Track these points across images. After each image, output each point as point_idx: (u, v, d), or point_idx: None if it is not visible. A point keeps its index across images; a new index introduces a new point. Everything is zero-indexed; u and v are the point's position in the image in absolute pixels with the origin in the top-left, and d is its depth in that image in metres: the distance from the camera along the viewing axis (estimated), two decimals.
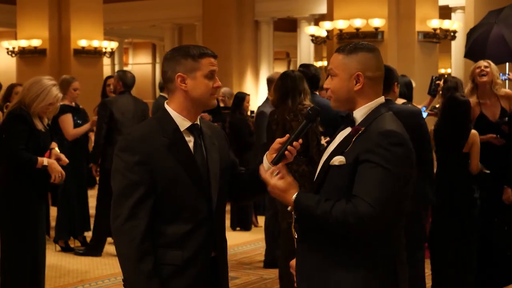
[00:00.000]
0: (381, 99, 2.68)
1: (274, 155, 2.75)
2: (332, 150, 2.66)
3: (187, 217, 2.70)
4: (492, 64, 5.80)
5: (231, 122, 8.83)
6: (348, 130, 2.66)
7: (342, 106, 2.71)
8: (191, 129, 2.77)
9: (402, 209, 2.60)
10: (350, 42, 2.73)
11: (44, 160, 4.92)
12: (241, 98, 8.98)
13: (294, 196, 2.60)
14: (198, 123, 2.82)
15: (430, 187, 4.99)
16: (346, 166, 2.55)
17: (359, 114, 2.65)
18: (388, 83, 4.83)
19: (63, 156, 5.11)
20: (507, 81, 10.07)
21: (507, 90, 5.84)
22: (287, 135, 2.76)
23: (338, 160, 2.57)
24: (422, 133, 4.88)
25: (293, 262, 2.70)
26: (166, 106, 2.80)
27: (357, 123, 2.64)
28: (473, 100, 5.81)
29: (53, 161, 4.98)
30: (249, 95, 9.38)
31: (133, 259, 2.62)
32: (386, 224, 2.52)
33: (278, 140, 2.77)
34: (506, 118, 5.73)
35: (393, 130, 2.56)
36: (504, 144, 5.72)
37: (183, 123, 2.76)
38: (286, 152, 2.73)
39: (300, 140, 2.73)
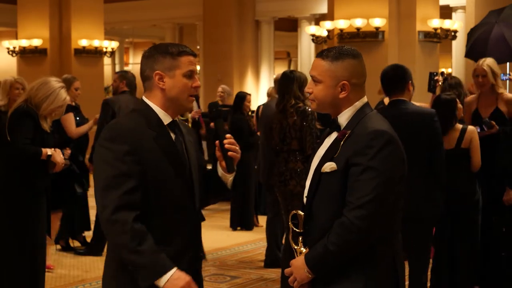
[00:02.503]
0: (364, 99, 2.69)
1: (223, 163, 2.74)
2: (321, 156, 2.66)
3: (173, 212, 2.63)
4: (489, 70, 5.74)
5: (232, 122, 8.83)
6: (334, 134, 2.66)
7: (325, 110, 2.72)
8: (171, 126, 2.71)
9: (398, 206, 2.61)
10: (331, 47, 2.70)
11: (48, 150, 4.98)
12: (242, 98, 8.97)
13: (303, 261, 2.59)
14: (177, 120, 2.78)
15: (440, 192, 4.88)
16: (338, 172, 2.55)
17: (344, 118, 2.65)
18: (401, 83, 4.78)
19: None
20: (508, 81, 10.07)
21: (509, 96, 5.80)
22: (217, 142, 2.73)
23: (329, 166, 2.57)
24: (435, 136, 4.77)
25: (288, 270, 2.68)
26: (146, 100, 2.71)
27: (342, 127, 2.64)
28: (475, 96, 5.93)
29: (55, 149, 5.06)
30: (250, 94, 9.38)
31: (130, 244, 2.49)
32: (383, 221, 2.53)
33: (216, 150, 2.75)
34: (486, 119, 5.73)
35: (380, 129, 2.56)
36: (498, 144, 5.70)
37: (165, 118, 2.69)
38: (229, 153, 2.72)
39: (228, 135, 2.71)
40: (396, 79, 4.80)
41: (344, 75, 2.62)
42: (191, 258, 2.69)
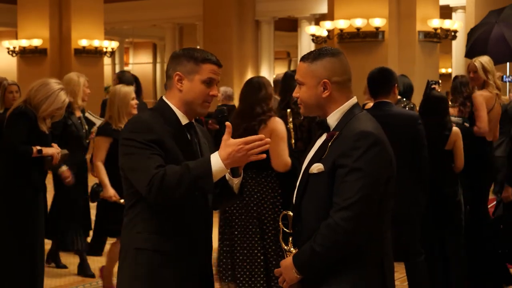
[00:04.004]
0: (353, 100, 2.68)
1: None
2: (310, 158, 2.67)
3: (186, 209, 2.69)
4: (480, 66, 5.73)
5: None
6: (324, 136, 2.66)
7: (313, 112, 2.72)
8: (187, 127, 2.79)
9: (385, 207, 2.61)
10: (312, 50, 2.74)
11: (38, 147, 4.97)
12: None
13: (291, 261, 2.59)
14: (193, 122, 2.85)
15: (423, 194, 4.95)
16: (325, 173, 2.55)
17: (333, 119, 2.65)
18: (388, 85, 4.84)
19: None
20: (507, 83, 10.08)
21: (484, 94, 5.79)
22: None
23: (317, 168, 2.58)
24: (418, 139, 4.83)
25: (278, 271, 2.69)
26: (165, 99, 2.80)
27: (332, 128, 2.64)
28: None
29: (52, 144, 5.08)
30: None
31: (177, 184, 2.54)
32: (370, 222, 2.54)
33: None
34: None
35: (367, 130, 2.55)
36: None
37: (182, 119, 2.78)
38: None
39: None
40: (382, 81, 4.86)
41: (324, 73, 2.62)
42: (203, 251, 2.77)
